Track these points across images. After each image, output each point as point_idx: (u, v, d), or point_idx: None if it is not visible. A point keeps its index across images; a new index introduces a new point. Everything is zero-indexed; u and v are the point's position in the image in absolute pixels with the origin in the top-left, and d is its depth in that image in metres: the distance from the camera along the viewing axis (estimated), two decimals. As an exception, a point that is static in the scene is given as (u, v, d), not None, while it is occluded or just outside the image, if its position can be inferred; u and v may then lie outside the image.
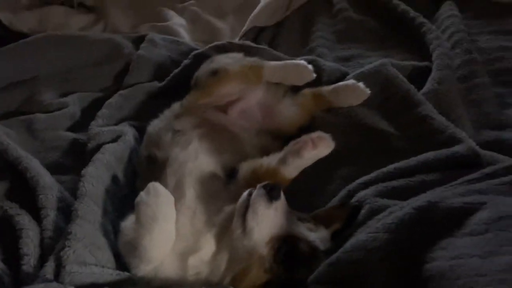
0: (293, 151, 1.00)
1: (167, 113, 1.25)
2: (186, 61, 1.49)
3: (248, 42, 1.53)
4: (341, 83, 1.28)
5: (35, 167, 1.09)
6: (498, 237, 0.68)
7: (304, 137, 1.02)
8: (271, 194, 0.89)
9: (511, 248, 0.65)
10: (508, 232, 0.67)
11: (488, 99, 1.30)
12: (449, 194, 0.84)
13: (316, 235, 0.93)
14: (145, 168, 1.15)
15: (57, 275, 0.87)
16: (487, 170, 0.92)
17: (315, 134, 1.02)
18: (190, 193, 1.00)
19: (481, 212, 0.75)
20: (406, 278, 0.75)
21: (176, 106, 1.26)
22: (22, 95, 1.45)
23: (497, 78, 1.38)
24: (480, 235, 0.71)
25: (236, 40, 1.66)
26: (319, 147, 1.01)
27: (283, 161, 1.01)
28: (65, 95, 1.46)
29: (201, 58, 1.45)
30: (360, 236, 0.84)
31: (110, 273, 0.90)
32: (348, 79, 1.30)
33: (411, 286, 0.74)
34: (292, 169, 1.01)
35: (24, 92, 1.46)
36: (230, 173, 1.06)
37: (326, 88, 1.27)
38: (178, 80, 1.46)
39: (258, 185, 0.91)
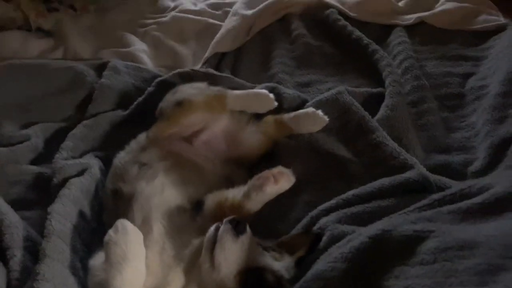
0: (256, 186, 1.05)
1: (133, 145, 1.27)
2: (150, 89, 1.51)
3: (211, 70, 1.57)
4: (301, 111, 1.34)
5: (-1, 205, 1.08)
6: (444, 267, 0.75)
7: (266, 173, 1.06)
8: (237, 229, 0.93)
9: (456, 280, 0.72)
10: (453, 263, 0.74)
11: (436, 124, 1.40)
12: (401, 221, 0.91)
13: (281, 264, 0.98)
14: (111, 202, 1.15)
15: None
16: (436, 196, 0.99)
17: (276, 170, 1.06)
18: (158, 228, 1.02)
19: (430, 240, 0.82)
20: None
21: (141, 137, 1.28)
22: (-19, 127, 1.42)
23: (443, 102, 1.49)
24: (429, 264, 0.77)
25: (199, 67, 1.69)
26: (280, 182, 1.05)
27: (247, 195, 1.05)
28: (26, 125, 1.45)
29: (165, 85, 1.48)
30: (320, 265, 0.89)
31: (80, 313, 0.91)
32: (308, 107, 1.37)
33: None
34: (255, 203, 1.05)
35: (-18, 124, 1.43)
36: (196, 205, 1.09)
37: (287, 116, 1.33)
38: (142, 108, 1.48)
39: (225, 220, 0.95)
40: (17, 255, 0.99)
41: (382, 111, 1.37)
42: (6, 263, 0.99)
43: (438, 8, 1.87)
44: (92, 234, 1.12)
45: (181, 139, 1.27)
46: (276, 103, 1.36)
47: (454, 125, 1.42)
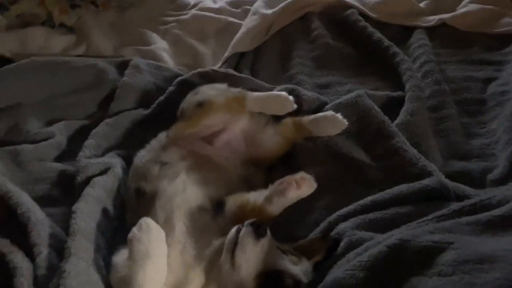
0: (278, 191, 1.07)
1: (154, 144, 1.29)
2: (170, 88, 1.53)
3: (231, 71, 1.58)
4: (320, 114, 1.35)
5: (26, 202, 1.11)
6: (463, 280, 0.76)
7: (288, 178, 1.08)
8: (258, 232, 0.95)
9: (473, 292, 0.73)
10: (472, 276, 0.75)
11: (456, 130, 1.39)
12: (419, 232, 0.92)
13: (299, 269, 0.99)
14: (134, 201, 1.18)
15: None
16: (455, 206, 1.00)
17: (299, 175, 1.08)
18: (180, 227, 1.05)
19: (449, 252, 0.83)
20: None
21: (162, 137, 1.31)
22: (7, 123, 1.46)
23: (464, 107, 1.48)
24: (448, 276, 0.78)
25: (219, 67, 1.71)
26: (302, 188, 1.07)
27: (268, 199, 1.07)
28: (49, 122, 1.48)
29: (185, 84, 1.50)
30: (339, 272, 0.91)
31: (104, 310, 0.94)
32: (327, 109, 1.38)
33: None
34: (276, 207, 1.07)
35: (8, 120, 1.46)
36: (217, 206, 1.11)
37: (306, 118, 1.34)
38: (163, 107, 1.50)
39: (246, 223, 0.97)
40: (43, 252, 1.02)
41: (402, 116, 1.37)
42: (32, 260, 1.02)
43: (460, 10, 1.85)
44: (115, 232, 1.15)
45: (202, 139, 1.29)
46: (295, 106, 1.36)
47: (474, 131, 1.41)
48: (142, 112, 1.49)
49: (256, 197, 1.09)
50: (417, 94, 1.42)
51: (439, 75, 1.53)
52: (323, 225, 1.12)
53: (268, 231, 0.97)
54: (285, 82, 1.59)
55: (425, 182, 1.13)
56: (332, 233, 1.08)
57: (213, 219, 1.10)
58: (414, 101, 1.40)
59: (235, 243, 0.96)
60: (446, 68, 1.61)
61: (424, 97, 1.46)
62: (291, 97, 1.36)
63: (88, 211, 1.09)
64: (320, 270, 1.02)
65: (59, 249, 1.04)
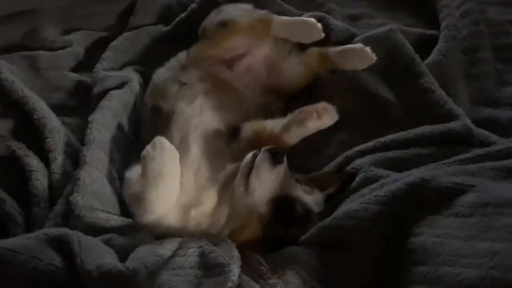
0: (297, 120, 1.03)
1: (173, 62, 1.25)
2: (193, 6, 1.46)
3: (258, -8, 1.49)
4: (348, 46, 1.28)
5: (42, 108, 1.11)
6: (481, 222, 0.74)
7: (309, 107, 1.04)
8: (275, 159, 0.94)
9: (491, 235, 0.71)
10: (490, 219, 0.73)
11: (488, 75, 1.33)
12: (440, 172, 0.89)
13: (311, 198, 0.99)
14: (150, 118, 1.17)
15: (66, 219, 0.92)
16: (480, 151, 0.96)
17: (321, 105, 1.04)
18: (195, 149, 1.04)
19: (469, 194, 0.81)
20: (392, 247, 0.83)
21: (182, 56, 1.26)
22: (24, 27, 1.42)
23: (499, 53, 1.40)
24: (464, 217, 0.77)
25: (245, -12, 1.61)
26: (323, 118, 1.03)
27: (286, 128, 1.04)
28: (67, 31, 1.44)
29: (208, 2, 1.42)
30: (352, 205, 0.90)
31: (116, 219, 0.96)
32: (356, 42, 1.31)
33: (395, 255, 0.82)
34: (294, 137, 1.05)
35: (25, 24, 1.43)
36: (233, 132, 1.09)
37: (333, 50, 1.28)
38: (184, 25, 1.44)
39: (264, 148, 0.95)
40: (58, 159, 1.03)
41: (434, 56, 1.29)
42: (47, 165, 1.03)
43: None
44: (129, 146, 1.15)
45: (222, 62, 1.25)
46: (323, 34, 1.29)
47: (507, 78, 1.34)
48: (162, 28, 1.44)
49: (273, 125, 1.06)
50: (453, 33, 1.34)
51: (478, 15, 1.43)
52: (339, 159, 1.10)
53: (285, 159, 0.96)
54: (314, 9, 1.50)
55: (450, 125, 1.09)
56: (348, 168, 1.06)
57: (228, 144, 1.09)
58: (448, 40, 1.32)
59: (250, 167, 0.95)
60: (488, 9, 1.50)
61: (460, 37, 1.37)
62: (319, 25, 1.29)
63: (104, 123, 1.08)
64: (332, 203, 1.02)
65: (74, 158, 1.05)
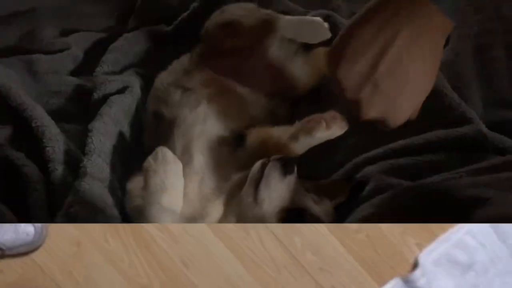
0: (305, 129, 0.99)
1: (176, 66, 1.21)
2: (194, 4, 1.41)
3: (262, -11, 1.44)
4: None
5: (40, 115, 1.07)
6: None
7: (317, 116, 0.99)
8: (286, 168, 0.90)
9: None
10: None
11: (501, 75, 1.27)
12: (456, 184, 0.86)
13: (320, 208, 0.96)
14: (152, 124, 1.13)
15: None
16: (495, 161, 0.93)
17: (329, 114, 0.99)
18: (199, 157, 1.00)
19: (485, 208, 0.77)
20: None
21: (185, 59, 1.22)
22: (21, 29, 1.38)
23: (512, 51, 1.35)
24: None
25: (248, -16, 1.56)
26: (332, 128, 0.98)
27: (294, 137, 1.00)
28: (65, 32, 1.40)
29: (211, 0, 1.38)
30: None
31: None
32: (363, 42, 1.26)
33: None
34: (301, 146, 1.00)
35: (22, 26, 1.38)
36: (238, 139, 1.06)
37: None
38: (186, 25, 1.39)
39: (273, 157, 0.92)
40: (58, 169, 0.99)
41: (445, 55, 1.25)
42: (46, 175, 1.00)
43: None
44: (131, 154, 1.11)
45: (226, 65, 1.20)
46: (329, 34, 1.24)
47: (522, 78, 1.29)
48: (163, 28, 1.40)
49: (280, 133, 1.02)
50: (465, 32, 1.29)
51: (492, 11, 1.37)
52: (348, 166, 1.07)
53: (295, 169, 0.92)
54: (320, 6, 1.45)
55: (463, 130, 1.04)
56: (358, 176, 1.02)
57: (232, 152, 1.05)
58: (462, 38, 1.27)
59: (259, 177, 0.91)
60: (503, 4, 1.44)
61: (473, 35, 1.32)
62: (326, 24, 1.24)
63: (104, 131, 1.04)
64: (340, 213, 0.98)
65: (74, 168, 1.01)
